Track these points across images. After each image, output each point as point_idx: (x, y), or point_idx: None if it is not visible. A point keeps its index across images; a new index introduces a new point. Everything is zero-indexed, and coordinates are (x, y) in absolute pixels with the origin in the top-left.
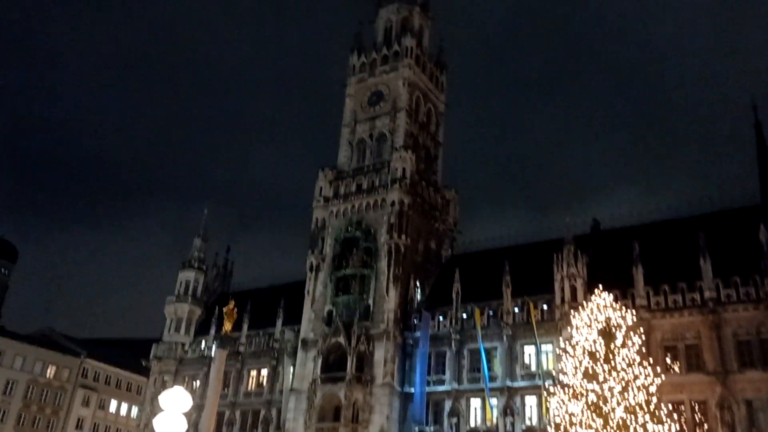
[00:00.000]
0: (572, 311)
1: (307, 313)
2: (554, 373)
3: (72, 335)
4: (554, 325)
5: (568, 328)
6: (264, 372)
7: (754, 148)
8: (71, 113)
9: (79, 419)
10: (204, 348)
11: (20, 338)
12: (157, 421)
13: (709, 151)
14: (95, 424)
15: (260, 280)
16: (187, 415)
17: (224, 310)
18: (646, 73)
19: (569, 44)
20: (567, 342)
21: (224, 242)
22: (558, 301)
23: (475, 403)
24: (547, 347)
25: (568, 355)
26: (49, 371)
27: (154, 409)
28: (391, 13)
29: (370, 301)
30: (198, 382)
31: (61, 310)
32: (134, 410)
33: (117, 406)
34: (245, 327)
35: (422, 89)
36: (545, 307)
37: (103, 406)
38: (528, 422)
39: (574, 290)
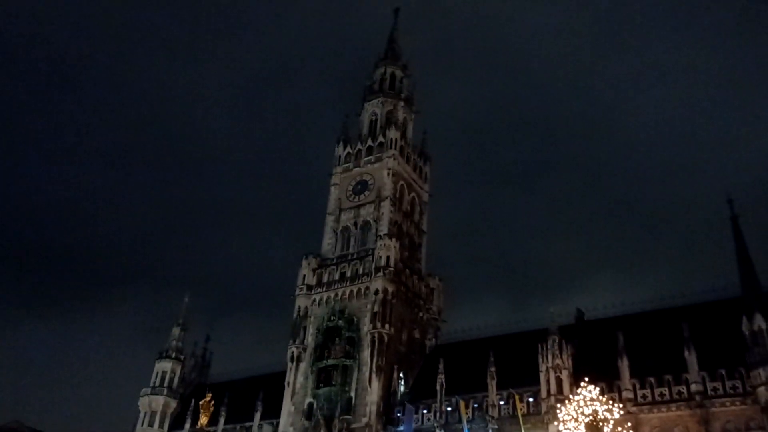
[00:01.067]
0: (558, 404)
1: (287, 406)
2: None
3: (40, 429)
4: (541, 419)
5: (555, 422)
6: None
7: (732, 240)
8: (42, 200)
9: None
10: None
11: None
12: None
13: (688, 242)
14: None
15: (239, 371)
16: None
17: (201, 403)
18: (622, 165)
19: (546, 138)
20: None
21: (202, 331)
22: (544, 393)
23: None
24: None
25: None
26: None
27: None
28: (376, 106)
29: (352, 393)
30: None
31: (28, 402)
32: None
33: None
34: (222, 421)
35: (406, 179)
36: (531, 399)
37: None
38: None
39: (559, 382)
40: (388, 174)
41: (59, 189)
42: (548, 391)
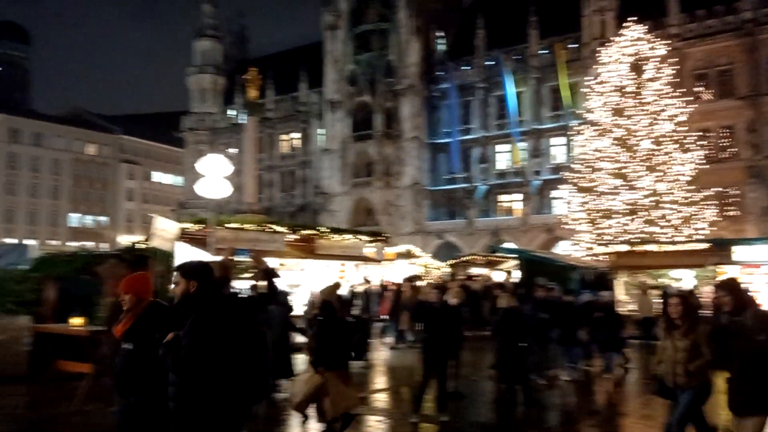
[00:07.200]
0: (601, 48)
1: (330, 75)
2: (581, 112)
3: (100, 113)
4: (582, 65)
5: (597, 66)
6: (295, 135)
7: None
8: None
9: (128, 191)
10: (233, 116)
11: (55, 119)
12: (200, 187)
13: None
14: (144, 194)
15: (278, 44)
16: (229, 179)
17: (247, 77)
18: None
19: None
20: (595, 80)
21: (234, 6)
22: (586, 38)
23: (503, 148)
24: (574, 87)
25: (595, 93)
26: (89, 149)
27: (196, 177)
28: None
29: (393, 57)
30: (233, 149)
31: (84, 89)
32: (178, 180)
33: (161, 177)
34: (270, 93)
35: None
36: (573, 46)
37: (148, 177)
38: (555, 161)
39: (603, 25)
40: None
41: None
42: (591, 36)
